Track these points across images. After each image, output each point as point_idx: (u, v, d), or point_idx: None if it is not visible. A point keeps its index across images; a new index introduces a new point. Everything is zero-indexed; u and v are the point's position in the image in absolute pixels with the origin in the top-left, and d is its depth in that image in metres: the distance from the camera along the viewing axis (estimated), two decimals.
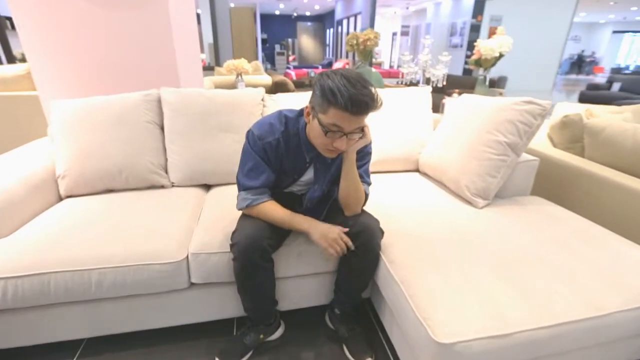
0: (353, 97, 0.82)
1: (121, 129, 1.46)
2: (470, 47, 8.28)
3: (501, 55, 2.50)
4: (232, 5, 8.86)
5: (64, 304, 1.08)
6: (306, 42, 16.27)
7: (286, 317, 1.28)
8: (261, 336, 1.15)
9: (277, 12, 15.29)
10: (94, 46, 1.68)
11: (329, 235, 0.99)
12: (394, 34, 14.60)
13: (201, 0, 7.41)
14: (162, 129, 1.56)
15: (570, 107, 1.86)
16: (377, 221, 1.07)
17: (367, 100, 0.84)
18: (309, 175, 1.11)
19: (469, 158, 1.38)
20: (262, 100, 1.65)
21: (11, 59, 4.17)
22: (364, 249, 1.03)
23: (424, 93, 1.83)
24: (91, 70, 1.84)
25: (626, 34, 15.58)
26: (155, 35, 1.86)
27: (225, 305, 1.20)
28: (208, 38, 7.84)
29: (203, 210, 1.35)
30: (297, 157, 1.05)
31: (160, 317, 1.18)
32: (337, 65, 11.09)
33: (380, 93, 0.90)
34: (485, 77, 2.63)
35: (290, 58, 14.77)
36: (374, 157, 1.17)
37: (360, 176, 1.06)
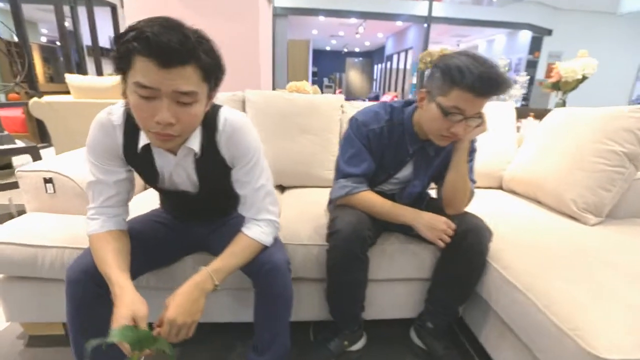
0: (483, 75, 0.77)
1: None
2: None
3: (584, 78, 2.35)
4: (289, 37, 9.49)
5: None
6: (353, 76, 16.81)
7: (368, 328, 1.17)
8: (345, 343, 1.06)
9: (328, 48, 16.12)
10: None
11: (437, 226, 0.91)
12: None
13: None
14: None
15: None
16: (483, 221, 0.97)
17: (497, 78, 0.78)
18: (406, 171, 1.05)
19: (574, 169, 1.24)
20: (342, 106, 1.66)
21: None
22: (471, 251, 0.93)
23: (508, 108, 1.73)
24: None
25: None
26: (246, 45, 2.10)
27: (306, 306, 1.12)
28: None
29: (281, 208, 1.33)
30: (399, 148, 1.00)
31: (237, 312, 1.12)
32: (384, 98, 11.26)
33: None
34: (564, 102, 2.46)
35: (337, 91, 15.29)
36: None
37: None
